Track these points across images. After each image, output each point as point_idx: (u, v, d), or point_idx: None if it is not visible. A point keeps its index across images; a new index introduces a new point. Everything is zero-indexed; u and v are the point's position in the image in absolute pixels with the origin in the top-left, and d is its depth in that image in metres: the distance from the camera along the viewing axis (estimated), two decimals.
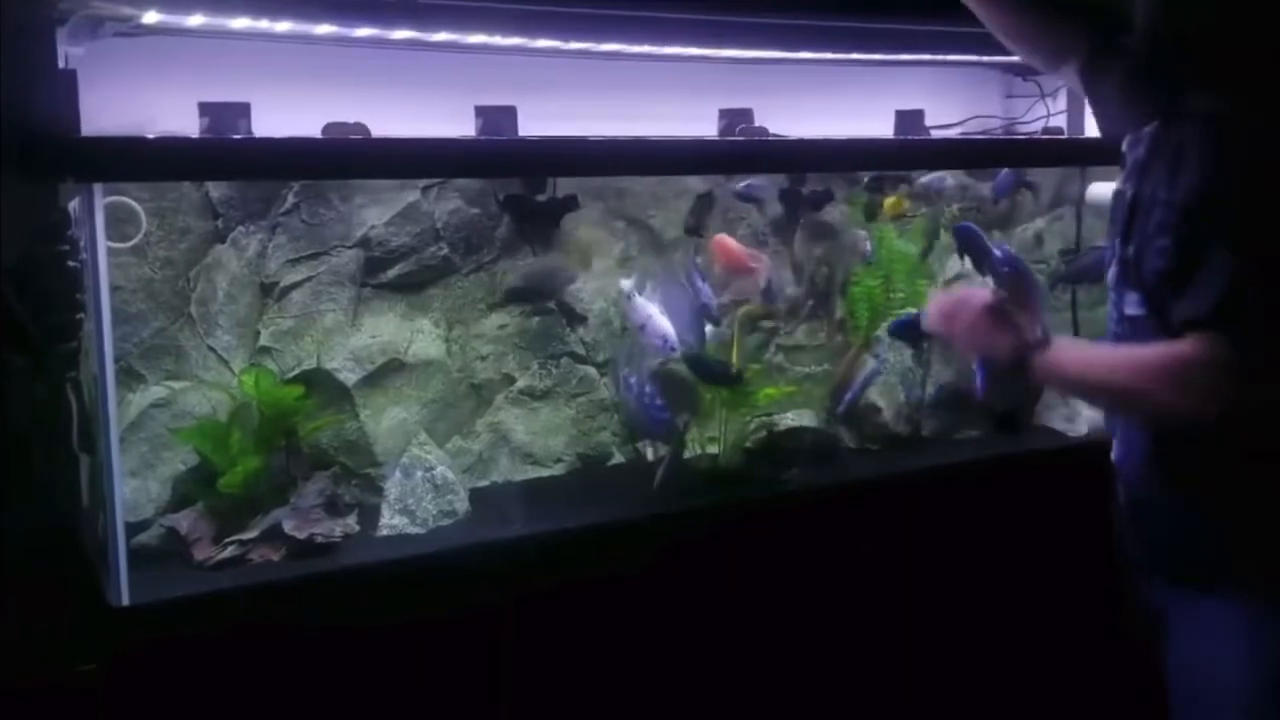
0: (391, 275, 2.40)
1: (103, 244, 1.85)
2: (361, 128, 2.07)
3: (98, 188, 1.83)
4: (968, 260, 2.88)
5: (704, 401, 2.54)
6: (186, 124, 2.06)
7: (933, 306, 1.90)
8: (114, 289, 1.96)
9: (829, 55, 2.69)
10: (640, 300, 2.42)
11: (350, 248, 2.35)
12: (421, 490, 2.25)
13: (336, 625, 1.97)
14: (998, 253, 2.61)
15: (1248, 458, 1.59)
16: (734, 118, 2.47)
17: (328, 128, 2.06)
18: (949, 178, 2.93)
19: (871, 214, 2.84)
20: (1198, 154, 1.53)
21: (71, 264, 1.83)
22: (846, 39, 2.55)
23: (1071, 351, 1.76)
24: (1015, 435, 2.86)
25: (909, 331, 2.71)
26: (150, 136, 1.98)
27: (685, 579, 2.28)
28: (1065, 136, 2.98)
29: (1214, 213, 1.51)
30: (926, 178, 2.89)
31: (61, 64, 1.88)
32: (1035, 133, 3.00)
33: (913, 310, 2.74)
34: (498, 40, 2.25)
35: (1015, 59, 2.60)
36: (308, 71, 2.29)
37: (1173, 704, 1.73)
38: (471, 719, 2.13)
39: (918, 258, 2.84)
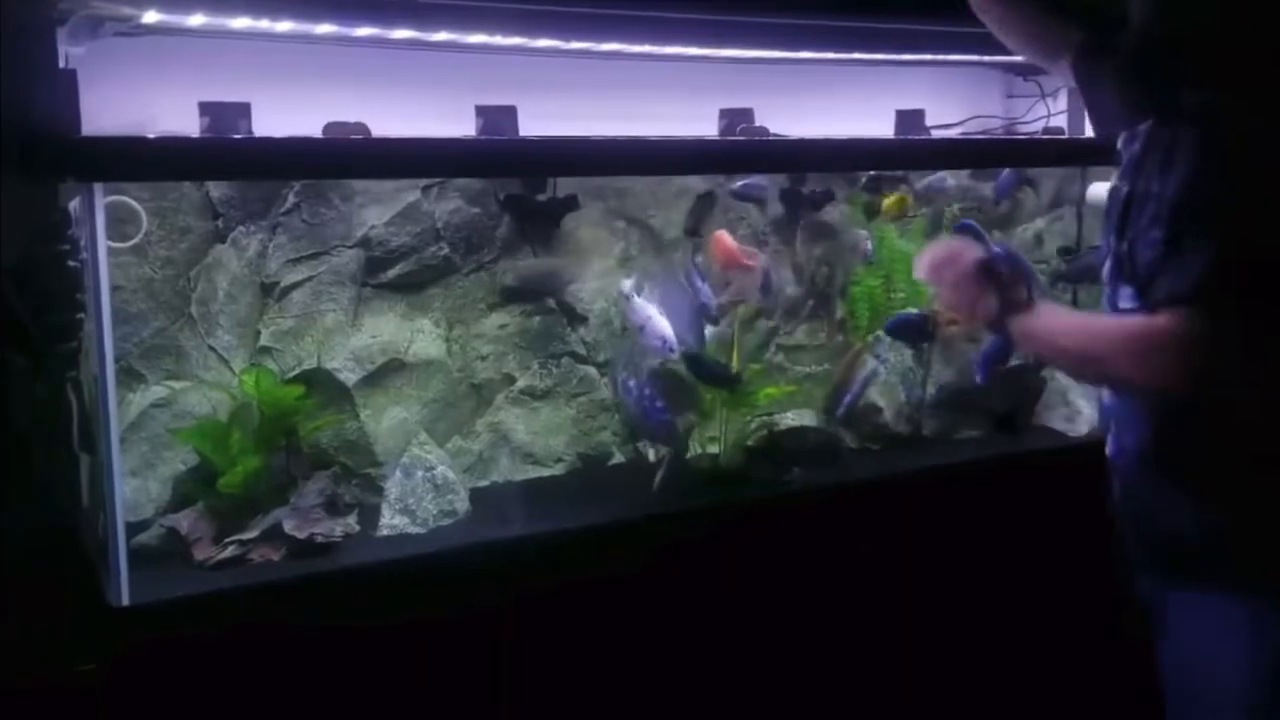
0: (392, 275, 2.40)
1: (103, 244, 1.85)
2: (362, 127, 2.07)
3: (98, 187, 1.83)
4: None
5: (704, 401, 2.54)
6: (187, 124, 2.06)
7: (925, 256, 1.90)
8: (114, 289, 1.96)
9: (829, 55, 2.69)
10: (639, 301, 2.42)
11: (351, 247, 2.35)
12: (422, 490, 2.25)
13: (337, 625, 1.97)
14: (998, 250, 2.61)
15: (1241, 453, 1.60)
16: (734, 117, 2.47)
17: (328, 127, 2.06)
18: (949, 179, 2.93)
19: (870, 214, 2.84)
20: (1190, 150, 1.53)
21: (72, 264, 1.83)
22: (847, 39, 2.55)
23: (1052, 317, 1.78)
24: (1015, 435, 2.86)
25: (906, 330, 2.71)
26: (150, 136, 1.98)
27: (685, 579, 2.28)
28: (1066, 136, 2.98)
29: (1201, 204, 1.52)
30: (928, 179, 2.90)
31: (62, 64, 1.88)
32: (1036, 133, 2.99)
33: (912, 310, 2.75)
34: (498, 40, 2.25)
35: (1016, 59, 2.60)
36: (308, 71, 2.28)
37: (1169, 701, 1.73)
38: (471, 719, 2.13)
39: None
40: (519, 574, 2.14)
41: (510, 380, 2.54)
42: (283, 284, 2.30)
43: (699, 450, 2.53)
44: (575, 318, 2.60)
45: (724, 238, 2.55)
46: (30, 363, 1.77)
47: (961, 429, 2.86)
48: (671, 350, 2.38)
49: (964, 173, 2.98)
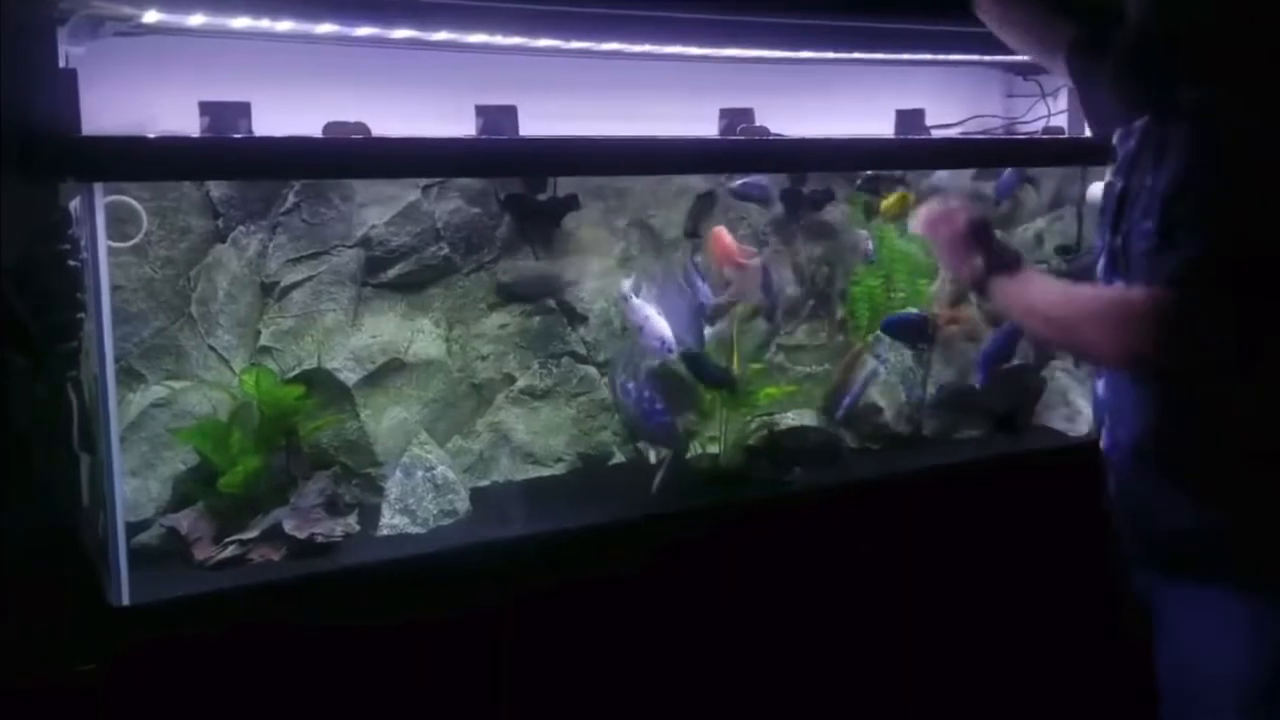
0: (392, 275, 2.40)
1: (103, 243, 1.85)
2: (362, 127, 2.07)
3: (98, 187, 1.83)
4: None
5: (704, 402, 2.54)
6: (187, 123, 2.06)
7: (923, 211, 1.95)
8: (114, 288, 1.96)
9: (830, 55, 2.69)
10: (638, 301, 2.42)
11: (351, 247, 2.35)
12: (422, 490, 2.25)
13: (337, 625, 1.97)
14: None
15: (1235, 448, 1.60)
16: (735, 117, 2.47)
17: (328, 127, 2.06)
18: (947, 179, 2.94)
19: (869, 214, 2.84)
20: (1184, 144, 1.54)
21: (72, 263, 1.83)
22: (847, 38, 2.55)
23: (1035, 281, 1.80)
24: (1015, 435, 2.86)
25: (903, 329, 2.71)
26: (151, 136, 1.98)
27: (685, 579, 2.28)
28: (1066, 136, 2.98)
29: (1193, 197, 1.52)
30: (933, 178, 2.90)
31: (62, 63, 1.87)
32: (1036, 132, 2.99)
33: (913, 310, 2.75)
34: (498, 39, 2.25)
35: (1016, 59, 2.60)
36: (308, 71, 2.28)
37: (1165, 700, 1.73)
38: (471, 719, 2.13)
39: (921, 255, 2.84)
40: (519, 574, 2.14)
41: (510, 380, 2.54)
42: (283, 284, 2.30)
43: (699, 450, 2.53)
44: (575, 317, 2.60)
45: (722, 234, 2.55)
46: (30, 362, 1.77)
47: (962, 429, 2.86)
48: (670, 351, 2.38)
49: (966, 173, 2.98)
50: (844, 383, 2.72)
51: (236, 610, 1.94)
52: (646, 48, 2.43)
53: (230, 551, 2.03)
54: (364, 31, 2.12)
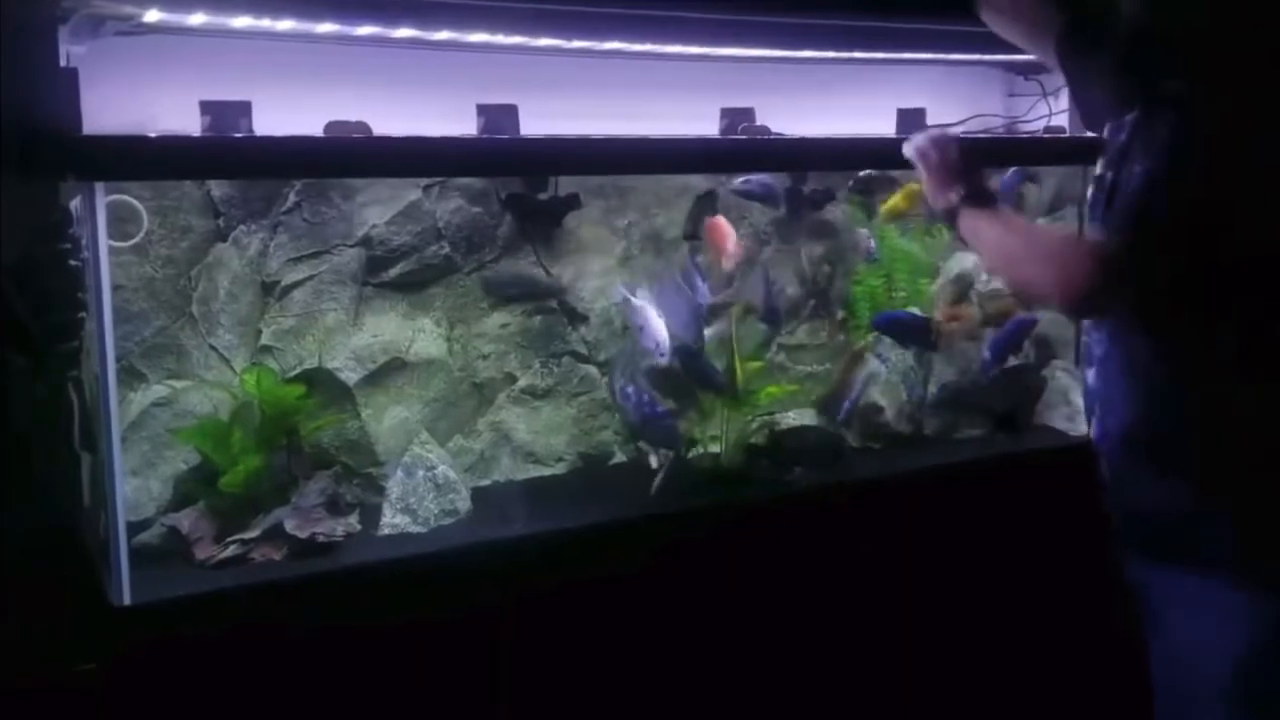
0: (393, 274, 2.40)
1: (104, 243, 1.85)
2: (363, 126, 2.07)
3: (99, 186, 1.83)
4: (970, 258, 2.89)
5: (704, 401, 2.53)
6: (188, 123, 2.06)
7: (918, 138, 2.00)
8: (115, 288, 1.96)
9: (830, 54, 2.69)
10: (638, 302, 2.42)
11: (352, 246, 2.35)
12: (423, 489, 2.25)
13: (338, 625, 1.97)
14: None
15: (1223, 436, 1.61)
16: (736, 117, 2.47)
17: (329, 126, 2.06)
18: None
19: (868, 214, 2.85)
20: (1169, 133, 1.56)
21: (73, 263, 1.82)
22: (848, 38, 2.54)
23: (1000, 217, 1.84)
24: (1016, 434, 2.86)
25: (895, 327, 2.71)
26: (152, 135, 1.97)
27: (686, 579, 2.28)
28: (1068, 135, 2.98)
29: (1168, 176, 1.56)
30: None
31: (63, 62, 1.87)
32: (1037, 131, 2.99)
33: (915, 310, 2.75)
34: (499, 39, 2.24)
35: (1017, 58, 2.60)
36: (309, 70, 2.28)
37: (1158, 695, 1.74)
38: (471, 719, 2.12)
39: (922, 254, 2.84)
40: (520, 574, 2.14)
41: (511, 379, 2.54)
42: (284, 283, 2.30)
43: (700, 450, 2.52)
44: (576, 317, 2.59)
45: (720, 223, 2.55)
46: (31, 362, 1.77)
47: (963, 428, 2.85)
48: (663, 355, 2.37)
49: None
50: (844, 383, 2.72)
51: (238, 610, 1.94)
52: (647, 47, 2.43)
53: (231, 551, 2.03)
54: (365, 31, 2.12)
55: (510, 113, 2.19)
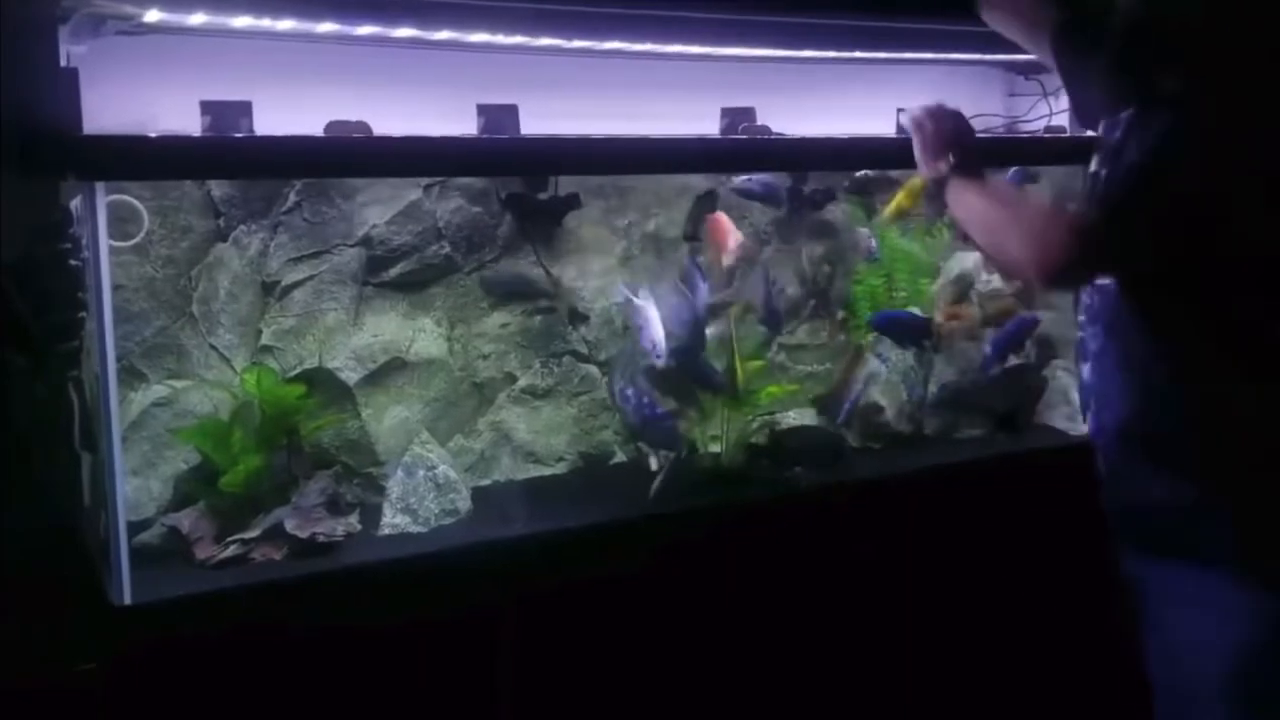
0: (393, 274, 2.40)
1: (104, 242, 1.85)
2: (363, 126, 2.07)
3: (99, 186, 1.83)
4: (970, 258, 2.89)
5: (704, 401, 2.53)
6: (188, 122, 2.05)
7: (914, 108, 2.03)
8: (116, 288, 1.96)
9: (831, 54, 2.69)
10: (639, 302, 2.41)
11: (352, 246, 2.35)
12: (423, 489, 2.25)
13: (338, 625, 1.97)
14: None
15: (1217, 429, 1.62)
16: (736, 116, 2.47)
17: (330, 126, 2.06)
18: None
19: (868, 214, 2.85)
20: (1162, 127, 1.57)
21: (73, 262, 1.83)
22: (849, 37, 2.54)
23: (989, 187, 1.86)
24: (1017, 434, 2.86)
25: (893, 327, 2.71)
26: (152, 135, 1.97)
27: (686, 579, 2.28)
28: (1068, 135, 2.98)
29: (1157, 163, 1.57)
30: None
31: (63, 62, 1.87)
32: (1038, 131, 2.99)
33: (914, 310, 2.75)
34: (500, 39, 2.24)
35: (1017, 58, 2.60)
36: (310, 70, 2.28)
37: (1156, 690, 1.74)
38: (471, 719, 2.12)
39: (922, 254, 2.84)
40: (520, 573, 2.14)
41: (512, 379, 2.54)
42: (284, 283, 2.30)
43: (700, 449, 2.52)
44: (576, 316, 2.59)
45: (721, 219, 2.55)
46: (31, 362, 1.77)
47: (963, 428, 2.85)
48: (659, 356, 2.36)
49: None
50: (843, 383, 2.72)
51: (238, 610, 1.94)
52: (648, 47, 2.42)
53: (232, 551, 2.03)
54: (365, 30, 2.12)
55: (510, 112, 2.19)
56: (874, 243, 2.81)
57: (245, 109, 2.01)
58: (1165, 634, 1.70)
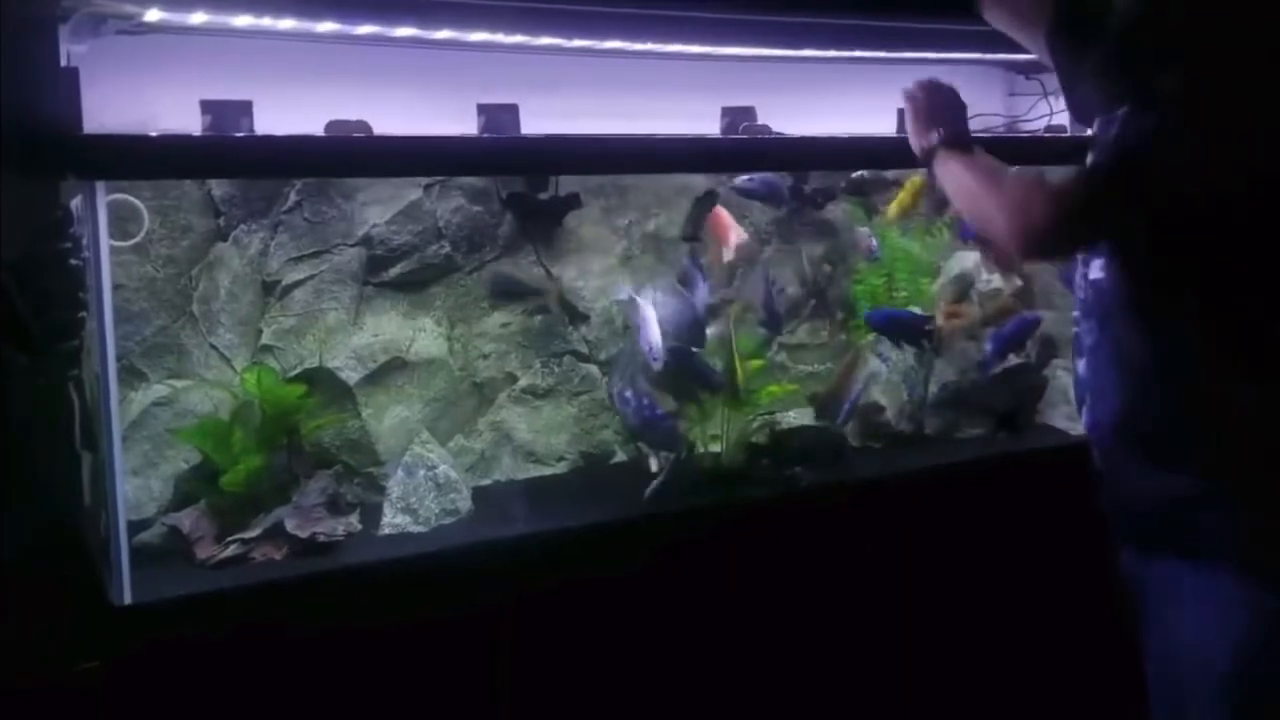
0: (394, 274, 2.40)
1: (105, 242, 1.85)
2: (364, 125, 2.07)
3: (100, 185, 1.83)
4: (970, 258, 2.89)
5: (705, 401, 2.53)
6: (189, 122, 2.05)
7: (914, 84, 2.05)
8: (116, 287, 1.96)
9: (831, 53, 2.69)
10: (641, 302, 2.41)
11: (352, 246, 2.35)
12: (424, 489, 2.25)
13: (339, 624, 1.97)
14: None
15: (1211, 422, 1.62)
16: (736, 116, 2.46)
17: (330, 125, 2.06)
18: None
19: (866, 215, 2.85)
20: (1156, 123, 1.57)
21: (73, 262, 1.82)
22: (849, 37, 2.54)
23: (977, 159, 1.88)
24: (1017, 433, 2.86)
25: (890, 325, 2.71)
26: (152, 134, 1.97)
27: (686, 578, 2.28)
28: (1068, 135, 2.98)
29: (1150, 148, 1.58)
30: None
31: (64, 62, 1.87)
32: (1038, 131, 2.99)
33: (914, 309, 2.75)
34: (500, 38, 2.24)
35: (1018, 57, 2.60)
36: (310, 69, 2.28)
37: (1152, 687, 1.74)
38: (471, 719, 2.12)
39: (922, 254, 2.84)
40: (521, 573, 2.14)
41: (512, 379, 2.53)
42: (284, 282, 2.30)
43: (700, 449, 2.52)
44: (577, 316, 2.59)
45: (721, 213, 2.55)
46: (32, 361, 1.76)
47: (964, 427, 2.85)
48: (656, 358, 2.36)
49: None
50: (843, 385, 2.71)
51: (238, 609, 1.94)
52: (648, 46, 2.42)
53: (232, 550, 2.03)
54: (366, 30, 2.12)
55: (511, 112, 2.19)
56: (874, 242, 2.81)
57: (245, 108, 2.01)
58: (1164, 632, 1.70)
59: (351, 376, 2.32)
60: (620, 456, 2.63)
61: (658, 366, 2.37)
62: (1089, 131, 1.75)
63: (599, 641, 2.21)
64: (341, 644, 1.97)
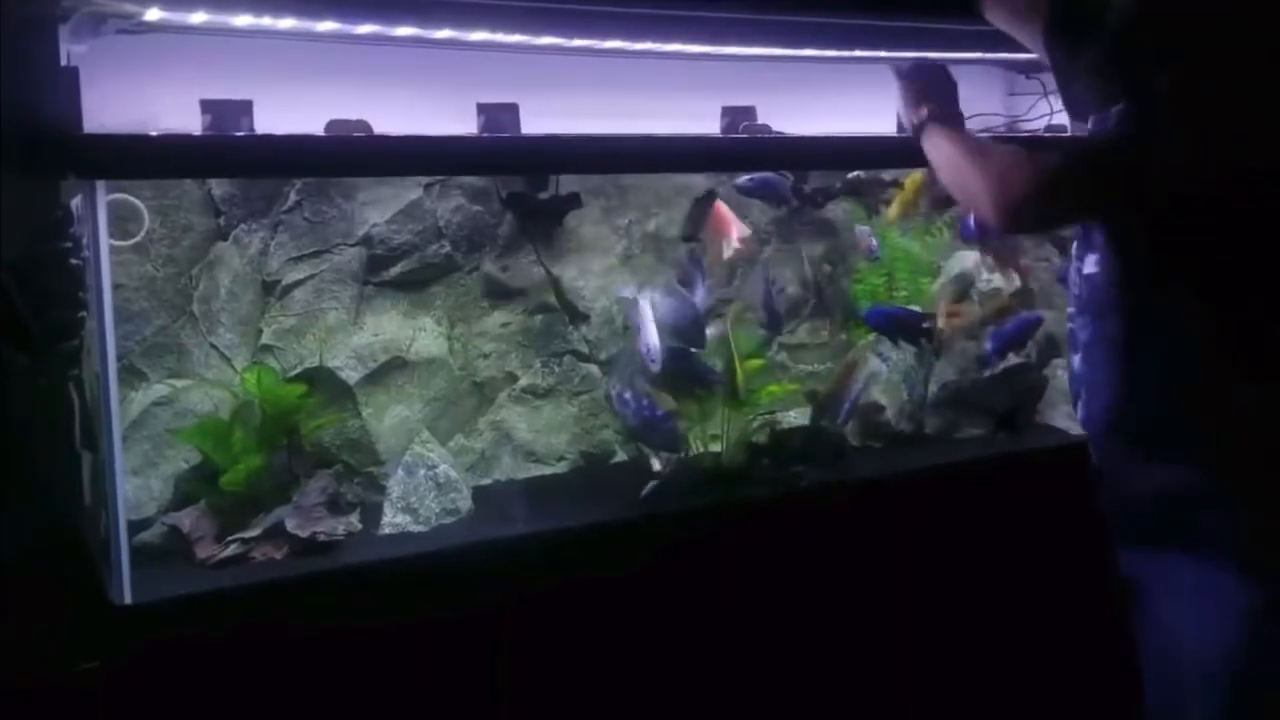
0: (394, 273, 2.39)
1: (105, 241, 1.85)
2: (364, 125, 2.07)
3: (100, 185, 1.83)
4: (970, 257, 2.89)
5: (705, 401, 2.53)
6: (189, 121, 2.05)
7: (902, 63, 2.15)
8: (116, 287, 1.96)
9: (832, 53, 2.68)
10: (642, 302, 2.41)
11: (352, 245, 2.35)
12: (424, 488, 2.25)
13: (339, 624, 1.97)
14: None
15: (1205, 416, 1.62)
16: (737, 115, 2.46)
17: (330, 125, 2.06)
18: None
19: (868, 214, 2.85)
20: (1151, 118, 1.59)
21: (73, 262, 1.82)
22: (849, 36, 2.54)
23: (964, 134, 1.92)
24: (1017, 433, 2.86)
25: (889, 323, 2.71)
26: (152, 134, 1.97)
27: (687, 578, 2.28)
28: (1069, 134, 2.98)
29: (1145, 138, 1.60)
30: None
31: (64, 61, 1.87)
32: (1038, 131, 2.99)
33: (916, 308, 2.75)
34: (500, 37, 2.24)
35: (1018, 57, 2.59)
36: (310, 69, 2.28)
37: (1149, 678, 1.74)
38: (471, 719, 2.12)
39: (922, 253, 2.84)
40: (521, 573, 2.14)
41: (512, 378, 2.53)
42: (284, 282, 2.29)
43: (700, 449, 2.52)
44: (577, 316, 2.59)
45: (721, 209, 2.55)
46: (32, 361, 1.76)
47: (964, 427, 2.85)
48: (653, 360, 2.36)
49: None
50: (843, 385, 2.71)
51: (238, 609, 1.94)
52: (648, 45, 2.42)
53: (232, 550, 2.03)
54: (366, 29, 2.11)
55: (511, 111, 2.19)
56: (875, 241, 2.81)
57: (246, 108, 2.01)
58: (1162, 628, 1.71)
59: (352, 376, 2.32)
60: (620, 456, 2.63)
61: (655, 369, 2.37)
62: (1085, 129, 1.76)
63: (599, 641, 2.21)
64: (342, 644, 1.97)
